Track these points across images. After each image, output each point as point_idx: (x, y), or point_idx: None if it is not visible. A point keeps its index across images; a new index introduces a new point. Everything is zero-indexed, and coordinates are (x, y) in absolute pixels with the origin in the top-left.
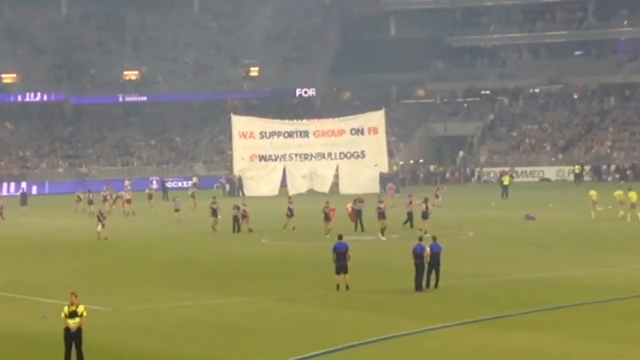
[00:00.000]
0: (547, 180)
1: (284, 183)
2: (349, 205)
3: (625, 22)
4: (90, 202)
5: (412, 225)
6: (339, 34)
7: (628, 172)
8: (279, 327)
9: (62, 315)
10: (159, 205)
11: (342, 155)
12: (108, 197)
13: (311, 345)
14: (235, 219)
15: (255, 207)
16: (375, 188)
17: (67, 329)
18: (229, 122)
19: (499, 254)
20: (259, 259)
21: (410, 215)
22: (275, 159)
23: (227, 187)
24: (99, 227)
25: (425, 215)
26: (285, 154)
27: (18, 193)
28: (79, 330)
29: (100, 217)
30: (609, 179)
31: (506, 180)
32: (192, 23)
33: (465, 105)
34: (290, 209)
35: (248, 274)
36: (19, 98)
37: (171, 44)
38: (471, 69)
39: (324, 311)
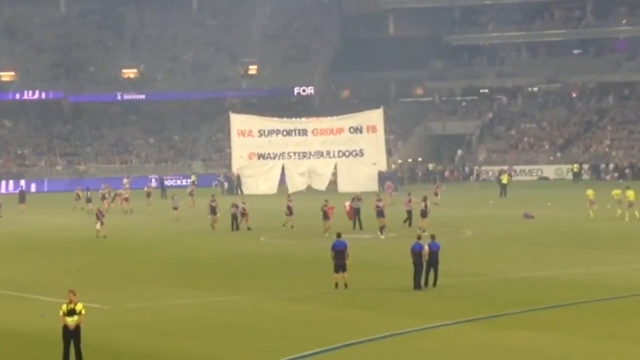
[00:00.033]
0: (546, 179)
1: (282, 181)
2: (347, 204)
3: (624, 21)
4: (89, 200)
5: (410, 224)
6: (338, 32)
7: (626, 170)
8: (277, 325)
9: (61, 313)
10: (158, 204)
11: (340, 154)
12: (106, 195)
13: (310, 344)
14: (234, 217)
15: (253, 205)
16: (374, 186)
17: (65, 327)
18: (227, 120)
19: (498, 253)
20: (258, 257)
21: (409, 214)
22: (274, 157)
23: (226, 185)
24: (98, 225)
25: (424, 214)
26: (283, 152)
27: (17, 191)
28: (77, 328)
29: (99, 215)
30: (608, 177)
31: (505, 179)
32: (190, 21)
33: (464, 103)
34: (289, 207)
35: (247, 272)
36: (18, 96)
37: (170, 42)
38: (470, 68)
39: (323, 309)
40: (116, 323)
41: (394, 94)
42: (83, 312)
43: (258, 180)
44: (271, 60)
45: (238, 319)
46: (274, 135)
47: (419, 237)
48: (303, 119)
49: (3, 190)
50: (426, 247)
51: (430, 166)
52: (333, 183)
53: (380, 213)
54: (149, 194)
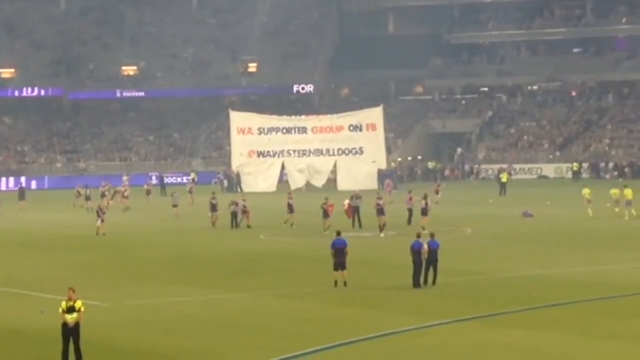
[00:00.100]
0: (545, 177)
1: (281, 179)
2: (346, 202)
3: (624, 20)
4: (88, 198)
5: (410, 222)
6: (337, 30)
7: (626, 169)
8: (277, 323)
9: (60, 310)
10: (157, 201)
11: (340, 152)
12: (106, 192)
13: (309, 342)
14: (234, 215)
15: (253, 202)
16: (373, 184)
17: (64, 324)
18: (227, 118)
19: (497, 251)
20: (258, 255)
21: (410, 212)
22: (274, 155)
23: (225, 182)
24: (99, 223)
25: (424, 212)
26: (283, 150)
27: (16, 188)
28: (76, 325)
29: (100, 213)
30: (607, 176)
31: (504, 178)
32: (190, 19)
33: (464, 102)
34: (289, 205)
35: (246, 270)
36: (17, 93)
37: (169, 39)
38: (469, 66)
39: (323, 307)
40: (116, 320)
41: (393, 92)
42: (82, 309)
43: (258, 178)
44: (271, 58)
45: (238, 317)
46: (274, 133)
47: (418, 236)
48: (303, 117)
49: (3, 187)
50: (425, 246)
51: (430, 164)
52: (332, 181)
53: (380, 211)
54: (148, 192)
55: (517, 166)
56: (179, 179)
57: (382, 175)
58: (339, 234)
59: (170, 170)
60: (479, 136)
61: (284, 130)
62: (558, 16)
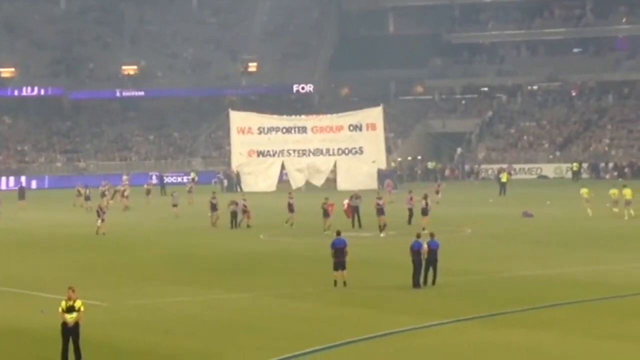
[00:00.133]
0: (545, 177)
1: (281, 179)
2: (345, 202)
3: (624, 20)
4: (87, 198)
5: (409, 222)
6: (337, 29)
7: (626, 169)
8: (277, 323)
9: (60, 310)
10: (157, 201)
11: (340, 152)
12: (106, 192)
13: (309, 341)
14: (233, 215)
15: (252, 202)
16: (373, 184)
17: (64, 324)
18: (227, 118)
19: (497, 251)
20: (257, 255)
21: (410, 212)
22: (273, 155)
23: (225, 182)
24: (99, 222)
25: (425, 212)
26: (283, 150)
27: (17, 187)
28: (76, 325)
29: (100, 212)
30: (607, 176)
31: (504, 178)
32: (190, 18)
33: (464, 102)
34: (290, 204)
35: (246, 270)
36: (17, 92)
37: (170, 39)
38: (469, 66)
39: (322, 307)
40: (116, 320)
41: (393, 92)
42: (82, 309)
43: (257, 178)
44: (271, 57)
45: (237, 317)
46: (274, 132)
47: (418, 236)
48: (303, 117)
49: (3, 187)
50: (425, 246)
51: (430, 164)
52: (331, 181)
53: (380, 211)
54: (148, 191)
55: (517, 166)
56: (179, 179)
57: (382, 175)
58: (338, 233)
59: (170, 169)
60: (479, 136)
61: (284, 130)
62: (558, 16)
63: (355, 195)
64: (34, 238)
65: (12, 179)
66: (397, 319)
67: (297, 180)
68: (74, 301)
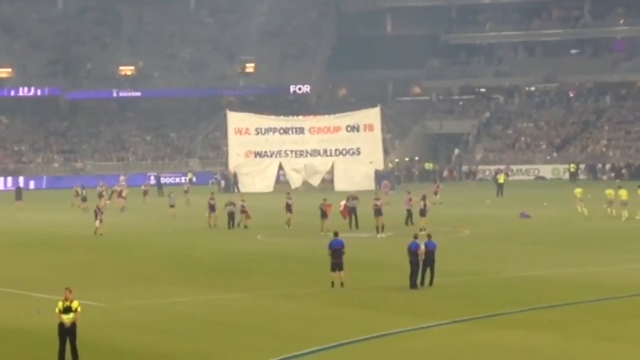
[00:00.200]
0: (543, 178)
1: (279, 179)
2: (342, 203)
3: (621, 21)
4: (84, 199)
5: (412, 223)
6: (335, 30)
7: (623, 171)
8: (275, 324)
9: (57, 310)
10: (154, 201)
11: (337, 152)
12: (104, 193)
13: (307, 342)
14: (231, 215)
15: (250, 203)
16: (371, 185)
17: (61, 325)
18: (224, 118)
19: (494, 252)
20: (255, 256)
21: (409, 213)
22: (271, 156)
23: (223, 183)
24: (97, 223)
25: (423, 213)
26: (280, 151)
27: (14, 188)
28: (73, 325)
29: (98, 213)
30: (604, 177)
31: (501, 179)
32: (188, 19)
33: (461, 103)
34: (288, 205)
35: (244, 271)
36: (15, 92)
37: (168, 39)
38: (467, 67)
39: (320, 308)
40: (113, 321)
41: (391, 93)
42: (79, 309)
43: (255, 178)
44: (268, 58)
45: (236, 317)
46: (271, 133)
47: (415, 236)
48: (300, 117)
49: (1, 187)
50: (422, 246)
51: (427, 165)
52: (328, 181)
53: (378, 212)
54: (145, 192)
55: (514, 167)
56: (177, 179)
57: (379, 176)
58: (336, 234)
59: (167, 170)
60: (477, 137)
61: (282, 131)
62: (556, 17)
63: (352, 196)
64: (31, 238)
65: (9, 179)
66: (395, 320)
67: (294, 181)
68: (71, 302)
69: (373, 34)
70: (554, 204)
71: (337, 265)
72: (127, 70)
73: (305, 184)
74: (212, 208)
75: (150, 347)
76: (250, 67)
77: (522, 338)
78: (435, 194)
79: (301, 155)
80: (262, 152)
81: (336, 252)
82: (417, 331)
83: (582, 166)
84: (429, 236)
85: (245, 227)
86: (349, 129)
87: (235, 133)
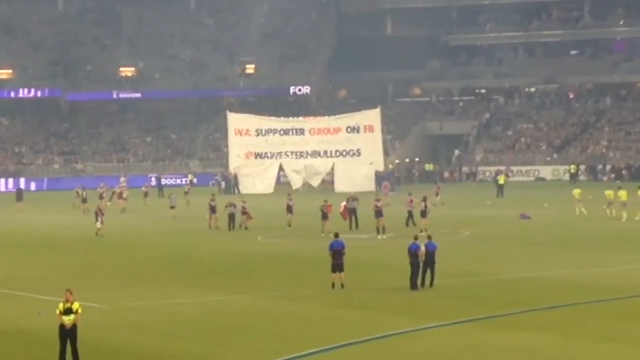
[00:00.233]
0: (543, 179)
1: (279, 180)
2: (342, 204)
3: (622, 22)
4: (84, 200)
5: (414, 224)
6: (335, 31)
7: (623, 171)
8: (275, 325)
9: (57, 312)
10: (154, 203)
11: (337, 153)
12: (104, 194)
13: (307, 343)
14: (231, 217)
15: (250, 204)
16: (371, 186)
17: (62, 326)
18: (224, 120)
19: (495, 253)
20: (255, 257)
21: (410, 214)
22: (271, 157)
23: (223, 184)
24: (98, 224)
25: (424, 214)
26: (281, 152)
27: (15, 189)
28: (74, 327)
29: (99, 214)
30: (605, 178)
31: (501, 180)
32: (188, 20)
33: (461, 104)
34: (289, 206)
35: (244, 272)
36: (15, 94)
37: (168, 40)
38: (467, 68)
39: (321, 309)
40: (114, 322)
41: (391, 94)
42: (79, 311)
43: (255, 180)
44: (269, 59)
45: (236, 319)
46: (271, 134)
47: (415, 238)
48: (300, 119)
49: (2, 189)
50: (423, 248)
51: (427, 166)
52: (327, 182)
53: (378, 213)
54: (146, 194)
55: (514, 168)
56: (178, 180)
57: (379, 177)
58: (336, 235)
59: (167, 171)
60: (477, 138)
61: (282, 132)
62: (556, 18)
63: (352, 197)
64: (32, 240)
65: (10, 180)
66: (395, 321)
67: (295, 182)
68: (72, 303)
69: (373, 35)
70: (554, 205)
71: (337, 267)
72: (127, 71)
73: (306, 185)
74: (213, 209)
75: (150, 348)
76: (250, 68)
77: (523, 339)
78: (437, 194)
79: (301, 156)
80: (263, 153)
81: (337, 253)
82: (417, 332)
83: (582, 167)
84: (429, 237)
85: (246, 228)
86: (349, 130)
87: (235, 134)
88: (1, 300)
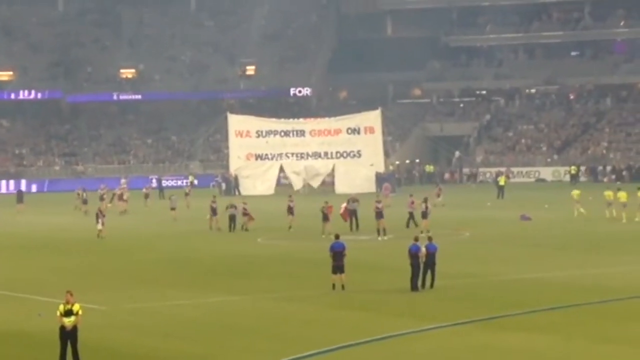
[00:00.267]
0: (543, 180)
1: (279, 182)
2: (343, 205)
3: (622, 23)
4: (85, 202)
5: (416, 225)
6: (336, 33)
7: (624, 172)
8: (275, 326)
9: (58, 313)
10: (155, 204)
11: (338, 155)
12: (104, 195)
13: (308, 345)
14: (231, 218)
15: (250, 206)
16: (371, 188)
17: (62, 328)
18: (225, 121)
19: (495, 255)
20: (255, 258)
21: (411, 215)
22: (272, 158)
23: (224, 186)
24: (99, 226)
25: (425, 215)
26: (281, 153)
27: (15, 191)
28: (74, 328)
29: (100, 216)
30: (605, 179)
31: (502, 181)
32: (189, 21)
33: (462, 105)
34: (290, 207)
35: (244, 273)
36: (15, 95)
37: (168, 42)
38: (467, 69)
39: (321, 310)
40: (114, 324)
41: (391, 95)
42: (80, 312)
43: (256, 181)
44: (269, 61)
45: (236, 320)
46: (272, 136)
47: (416, 239)
48: (301, 120)
49: (3, 190)
50: (423, 249)
51: (428, 168)
52: (328, 184)
53: (379, 214)
54: (147, 195)
55: (515, 169)
56: (179, 182)
57: (380, 179)
58: (337, 237)
59: (168, 173)
60: (477, 139)
61: (282, 134)
62: (556, 19)
63: (352, 199)
64: (32, 241)
65: (11, 182)
66: (396, 323)
67: (295, 183)
68: (72, 305)
69: (373, 37)
70: (555, 206)
71: (338, 268)
72: (127, 73)
73: (307, 186)
74: (214, 211)
75: (150, 350)
76: (250, 70)
77: (523, 340)
78: (438, 196)
79: (302, 157)
80: (263, 154)
81: (337, 254)
82: (418, 334)
83: (582, 168)
84: (429, 238)
85: (246, 229)
86: (349, 131)
87: (236, 136)
88: (2, 301)
